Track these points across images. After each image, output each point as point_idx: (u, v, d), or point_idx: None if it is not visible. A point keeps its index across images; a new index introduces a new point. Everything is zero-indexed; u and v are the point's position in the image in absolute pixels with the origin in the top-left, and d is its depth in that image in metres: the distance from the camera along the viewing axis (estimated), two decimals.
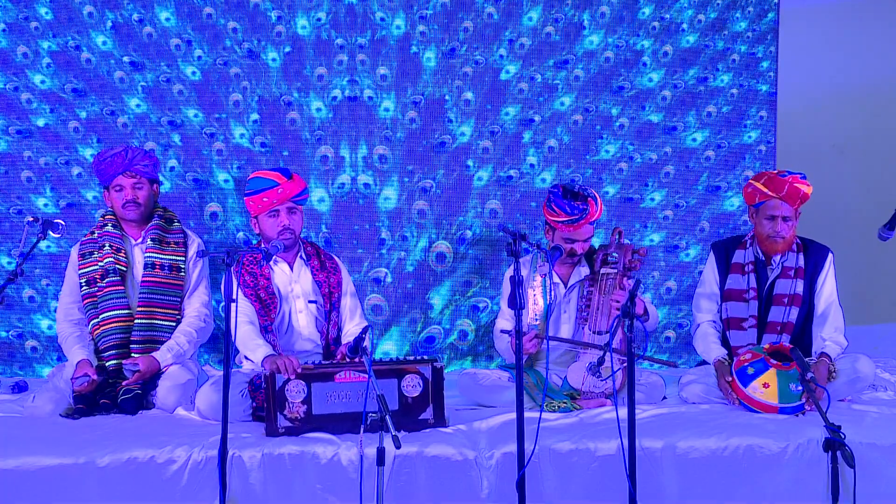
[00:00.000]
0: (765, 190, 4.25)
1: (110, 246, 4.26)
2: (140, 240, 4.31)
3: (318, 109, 5.09)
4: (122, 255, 4.27)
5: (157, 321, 4.23)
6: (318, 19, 5.08)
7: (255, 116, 5.05)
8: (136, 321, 4.20)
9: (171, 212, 4.44)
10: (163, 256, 4.28)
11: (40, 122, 4.98)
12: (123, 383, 4.05)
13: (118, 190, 4.26)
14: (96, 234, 4.31)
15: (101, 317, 4.20)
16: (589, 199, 4.24)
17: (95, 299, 4.22)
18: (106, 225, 4.31)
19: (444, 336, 5.16)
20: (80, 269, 4.27)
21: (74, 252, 4.33)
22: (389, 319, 5.12)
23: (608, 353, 3.40)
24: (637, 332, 3.35)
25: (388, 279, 5.12)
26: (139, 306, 4.22)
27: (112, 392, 4.05)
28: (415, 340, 5.14)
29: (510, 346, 4.14)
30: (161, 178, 4.87)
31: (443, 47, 5.13)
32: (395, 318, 5.13)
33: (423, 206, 5.13)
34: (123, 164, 4.23)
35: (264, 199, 4.16)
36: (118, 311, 4.19)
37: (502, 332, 4.34)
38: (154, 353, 4.16)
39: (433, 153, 5.15)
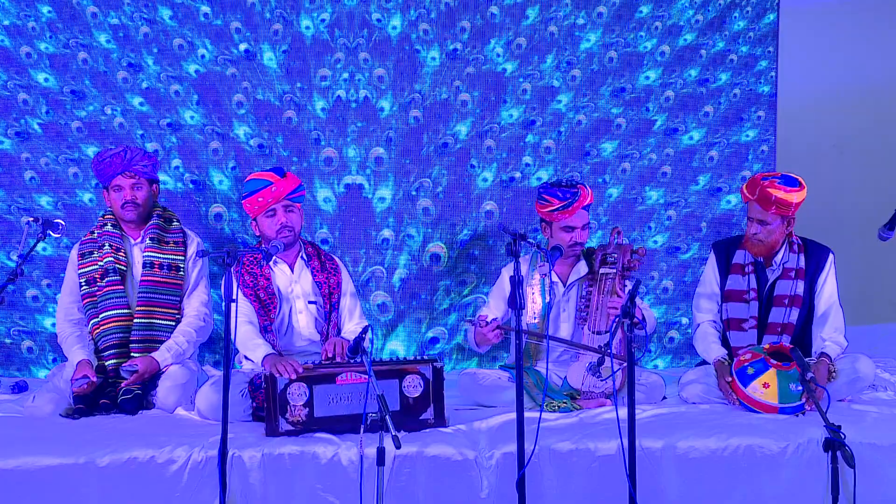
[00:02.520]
0: (745, 192, 4.27)
1: (110, 246, 4.25)
2: (139, 239, 4.30)
3: (323, 109, 5.10)
4: (121, 254, 4.26)
5: (156, 321, 4.23)
6: (322, 20, 5.08)
7: (255, 116, 5.06)
8: (135, 321, 4.19)
9: (171, 211, 4.44)
10: (162, 256, 4.27)
11: (41, 122, 4.98)
12: (123, 384, 4.05)
13: (117, 190, 4.26)
14: (96, 234, 4.31)
15: (100, 316, 4.19)
16: (578, 185, 4.29)
17: (95, 299, 4.22)
18: (105, 225, 4.31)
19: (451, 336, 5.16)
20: (79, 269, 4.26)
21: (74, 252, 4.33)
22: (395, 319, 5.13)
23: (606, 355, 3.40)
24: (636, 335, 3.35)
25: (393, 279, 5.13)
26: (138, 306, 4.21)
27: (112, 392, 4.05)
28: (421, 340, 5.15)
29: (473, 336, 4.20)
30: (163, 177, 4.89)
31: (443, 47, 5.13)
32: (401, 318, 5.13)
33: (427, 204, 5.14)
34: (122, 164, 4.22)
35: (259, 199, 4.16)
36: (118, 311, 4.19)
37: (467, 319, 4.34)
38: (153, 354, 4.16)
39: (434, 153, 5.15)
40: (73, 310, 4.29)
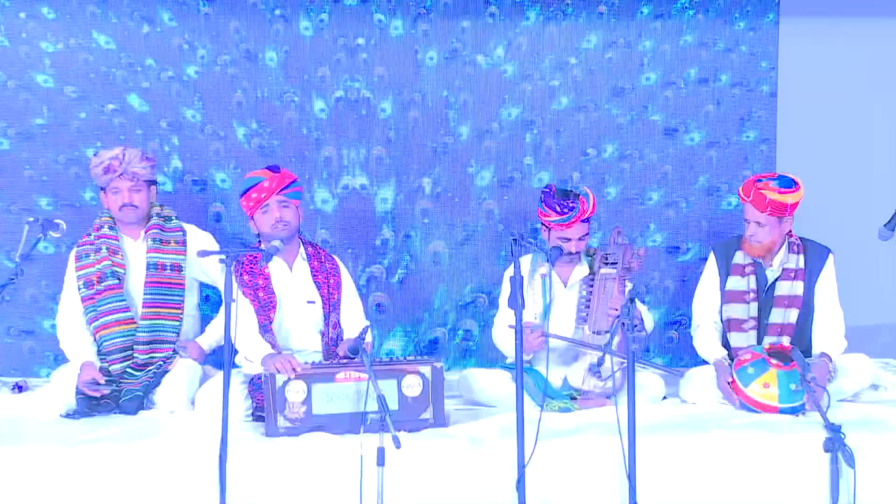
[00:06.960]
0: (741, 193, 4.27)
1: (107, 249, 4.24)
2: (139, 239, 4.29)
3: (322, 109, 5.10)
4: (118, 257, 4.24)
5: (162, 321, 4.21)
6: (321, 20, 5.08)
7: (255, 116, 5.06)
8: (141, 322, 4.18)
9: (169, 208, 4.42)
10: (165, 256, 4.26)
11: (40, 122, 4.98)
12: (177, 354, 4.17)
13: (115, 192, 4.24)
14: (93, 237, 4.29)
15: (101, 321, 4.18)
16: (580, 196, 4.25)
17: (94, 302, 4.21)
18: (102, 227, 4.28)
19: (450, 337, 5.16)
20: (77, 272, 4.25)
21: (72, 255, 4.32)
22: (394, 318, 5.13)
23: (608, 353, 3.41)
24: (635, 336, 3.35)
25: (391, 279, 5.13)
26: (144, 307, 4.19)
27: (115, 392, 4.05)
28: (419, 341, 5.15)
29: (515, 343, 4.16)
30: (162, 178, 4.88)
31: (443, 47, 5.13)
32: (400, 318, 5.13)
33: (427, 205, 5.14)
34: (121, 166, 4.20)
35: (253, 196, 4.16)
36: (119, 315, 4.18)
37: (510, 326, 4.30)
38: (197, 339, 4.34)
39: (433, 153, 5.15)
40: (75, 313, 4.27)
